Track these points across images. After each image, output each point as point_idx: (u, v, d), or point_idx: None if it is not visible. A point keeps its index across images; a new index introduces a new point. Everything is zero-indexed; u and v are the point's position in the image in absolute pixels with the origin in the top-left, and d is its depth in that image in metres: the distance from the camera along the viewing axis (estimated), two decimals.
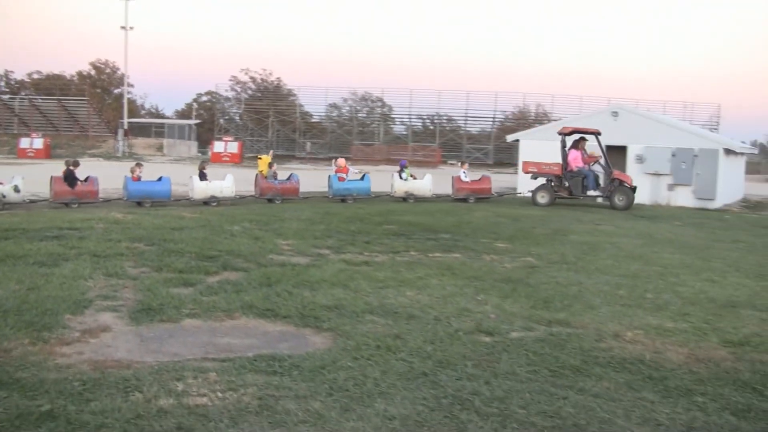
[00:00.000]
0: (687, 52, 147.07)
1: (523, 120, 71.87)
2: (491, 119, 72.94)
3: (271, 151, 32.74)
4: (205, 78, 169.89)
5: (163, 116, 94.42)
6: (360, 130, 75.69)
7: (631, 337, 8.15)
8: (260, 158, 29.69)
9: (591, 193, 26.96)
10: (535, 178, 27.79)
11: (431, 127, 75.93)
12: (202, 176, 25.29)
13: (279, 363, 6.76)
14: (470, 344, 7.61)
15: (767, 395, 6.45)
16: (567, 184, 27.10)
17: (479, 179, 29.06)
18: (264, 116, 73.09)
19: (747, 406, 6.14)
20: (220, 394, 5.96)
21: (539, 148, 32.30)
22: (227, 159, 58.32)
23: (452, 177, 28.54)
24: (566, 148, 27.53)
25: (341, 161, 29.46)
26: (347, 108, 79.90)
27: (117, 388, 6.04)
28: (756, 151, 65.94)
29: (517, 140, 35.34)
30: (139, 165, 25.02)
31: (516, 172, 34.65)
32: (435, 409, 5.84)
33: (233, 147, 61.21)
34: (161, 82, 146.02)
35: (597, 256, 14.02)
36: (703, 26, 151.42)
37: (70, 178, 23.13)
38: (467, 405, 5.92)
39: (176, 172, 32.05)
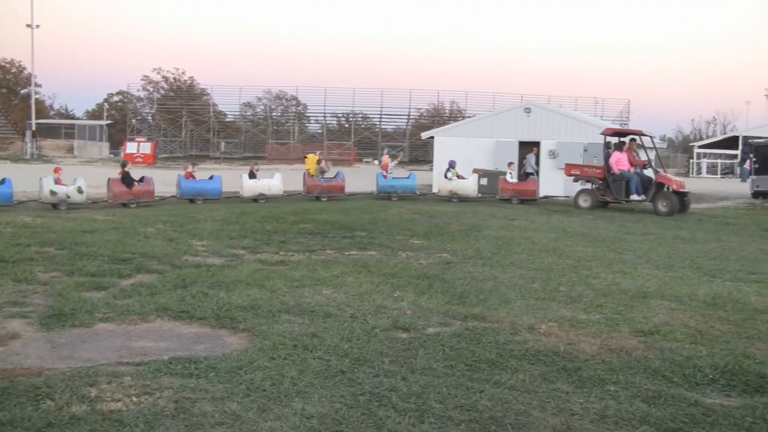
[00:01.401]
0: (597, 48, 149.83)
1: (437, 117, 72.56)
2: (406, 116, 73.37)
3: (318, 151, 32.54)
4: (117, 77, 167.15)
5: (73, 117, 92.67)
6: (275, 129, 75.59)
7: (545, 330, 8.28)
8: (307, 157, 30.24)
9: (634, 197, 25.37)
10: (577, 181, 26.74)
11: (346, 125, 76.07)
12: (252, 175, 27.14)
13: (195, 365, 6.69)
14: (387, 341, 7.64)
15: (676, 382, 6.62)
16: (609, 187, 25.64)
17: (525, 181, 28.72)
18: (177, 116, 72.37)
19: (657, 393, 6.29)
20: (135, 399, 5.86)
21: (454, 144, 32.73)
22: (140, 160, 57.44)
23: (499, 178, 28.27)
24: (609, 150, 26.17)
25: (385, 158, 29.81)
26: (262, 107, 79.80)
27: (27, 397, 5.89)
28: (665, 146, 67.58)
29: (432, 137, 35.62)
30: (193, 164, 27.92)
31: (431, 169, 34.91)
32: (353, 406, 5.85)
33: (146, 148, 60.41)
34: (71, 81, 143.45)
35: (511, 251, 14.20)
36: (613, 22, 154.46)
37: (127, 179, 24.63)
38: (385, 401, 5.94)
39: (89, 174, 31.49)
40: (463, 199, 27.35)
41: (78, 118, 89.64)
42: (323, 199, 26.79)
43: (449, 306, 9.31)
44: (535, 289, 10.55)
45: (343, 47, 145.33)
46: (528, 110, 33.51)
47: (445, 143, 33.74)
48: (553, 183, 30.75)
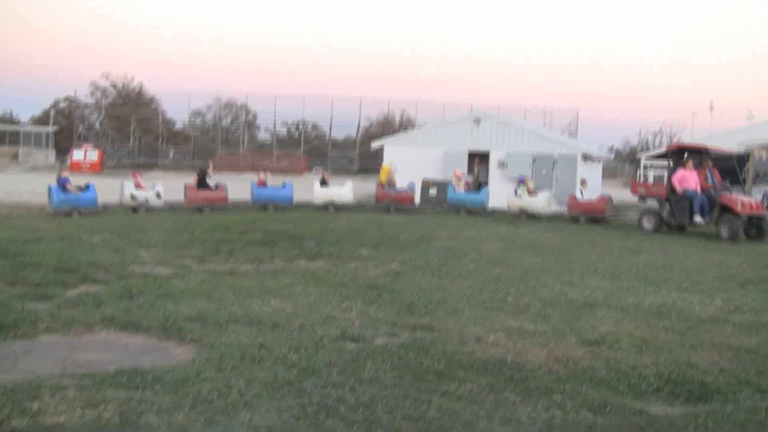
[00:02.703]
0: (546, 59, 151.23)
1: (388, 126, 72.56)
2: (356, 126, 73.40)
3: (391, 160, 32.26)
4: (64, 83, 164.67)
5: (17, 123, 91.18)
6: (224, 137, 75.06)
7: (493, 340, 8.32)
8: (382, 167, 30.61)
9: (697, 220, 22.44)
10: (644, 200, 25.29)
11: (296, 134, 75.85)
12: (323, 182, 27.71)
13: (141, 376, 6.61)
14: (335, 351, 7.63)
15: (622, 391, 6.70)
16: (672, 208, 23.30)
17: (596, 200, 26.62)
18: (125, 123, 71.62)
19: (603, 402, 6.36)
20: (78, 411, 5.77)
21: (403, 154, 32.80)
22: (87, 168, 56.71)
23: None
24: (673, 167, 23.97)
25: (458, 171, 29.31)
26: (211, 115, 79.17)
27: None
28: (612, 157, 68.39)
29: (382, 147, 35.67)
30: (264, 171, 28.47)
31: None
32: (300, 417, 5.82)
33: (93, 155, 59.57)
34: (15, 86, 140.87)
35: (460, 261, 14.26)
36: (561, 33, 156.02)
37: (202, 184, 25.96)
38: (332, 412, 5.93)
39: (34, 182, 31.07)
40: (531, 217, 26.33)
41: (23, 124, 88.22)
42: (392, 210, 27.25)
43: (398, 316, 9.32)
44: (483, 300, 10.60)
45: (294, 55, 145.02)
46: (477, 120, 33.72)
47: (394, 153, 33.81)
48: (502, 194, 30.93)
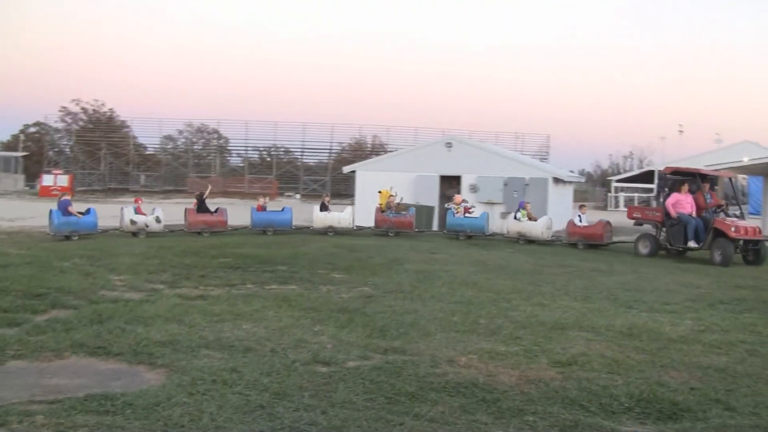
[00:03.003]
0: (517, 84, 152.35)
1: (359, 151, 72.73)
2: (328, 151, 73.52)
3: (392, 187, 32.21)
4: (34, 108, 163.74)
5: None
6: (196, 162, 74.97)
7: (465, 362, 8.33)
8: (381, 192, 30.17)
9: (691, 244, 21.99)
10: (640, 224, 24.82)
11: (268, 159, 75.84)
12: (324, 207, 27.93)
13: (111, 402, 6.55)
14: (307, 375, 7.60)
15: (593, 411, 6.72)
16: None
17: (594, 224, 26.30)
18: (96, 148, 71.32)
19: (574, 422, 6.38)
20: None
21: (375, 179, 32.89)
22: (57, 193, 56.23)
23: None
24: (665, 190, 23.77)
25: (458, 197, 29.04)
26: (183, 140, 79.03)
27: None
28: (583, 180, 68.92)
29: (354, 171, 35.74)
30: (263, 196, 29.25)
31: (353, 203, 34.96)
32: None
33: (63, 180, 59.16)
34: None
35: (432, 284, 14.28)
36: (532, 58, 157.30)
37: (202, 208, 26.58)
38: None
39: (3, 208, 30.84)
40: (530, 242, 26.18)
41: None
42: (391, 235, 27.24)
43: (370, 339, 9.31)
44: (455, 322, 10.61)
45: (265, 81, 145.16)
46: (449, 145, 33.90)
47: (366, 177, 33.93)
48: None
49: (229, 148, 79.12)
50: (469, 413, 6.57)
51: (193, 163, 74.00)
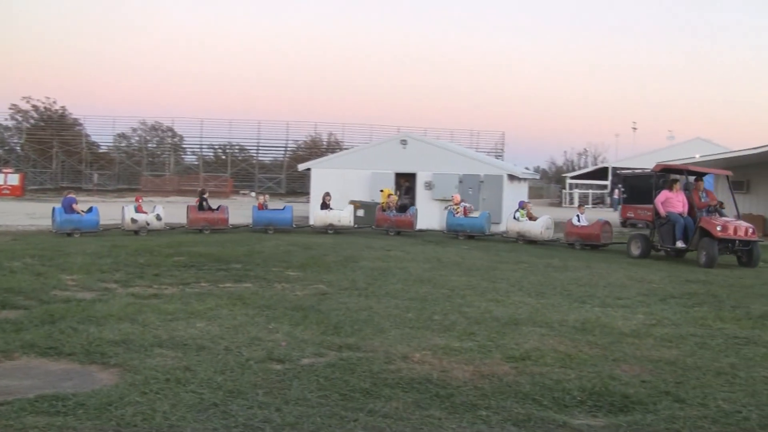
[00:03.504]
0: (472, 81, 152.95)
1: (315, 149, 72.66)
2: (283, 148, 73.33)
3: (392, 187, 31.92)
4: None
5: None
6: (150, 160, 74.39)
7: (419, 358, 8.35)
8: (382, 191, 30.05)
9: (679, 245, 20.97)
10: (634, 225, 23.90)
11: (223, 157, 75.45)
12: (324, 205, 27.99)
13: (62, 402, 6.47)
14: (261, 373, 7.58)
15: (546, 405, 6.77)
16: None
17: (592, 224, 25.54)
18: (48, 147, 70.44)
19: (527, 416, 6.42)
20: None
21: (330, 176, 32.87)
22: (7, 192, 55.58)
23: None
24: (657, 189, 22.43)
25: (456, 196, 28.90)
26: (136, 138, 78.32)
27: None
28: (538, 176, 69.42)
29: (309, 169, 35.68)
30: (263, 194, 29.80)
31: (308, 201, 34.91)
32: None
33: (14, 179, 58.39)
34: None
35: (387, 281, 14.31)
36: (486, 56, 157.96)
37: (203, 206, 27.05)
38: None
39: None
40: (530, 242, 25.91)
41: None
42: (391, 234, 27.26)
43: (324, 337, 9.30)
44: (410, 319, 10.65)
45: (220, 78, 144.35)
46: (404, 142, 33.93)
47: (322, 175, 33.88)
48: (428, 215, 31.15)
49: (184, 146, 78.65)
50: (423, 409, 6.59)
51: (147, 162, 73.44)
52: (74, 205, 24.94)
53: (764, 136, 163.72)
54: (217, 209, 27.48)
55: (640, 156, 68.32)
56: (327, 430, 6.00)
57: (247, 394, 6.83)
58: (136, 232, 25.52)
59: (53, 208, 25.01)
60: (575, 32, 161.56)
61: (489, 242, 26.35)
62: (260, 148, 74.24)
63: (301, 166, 37.82)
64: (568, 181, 79.15)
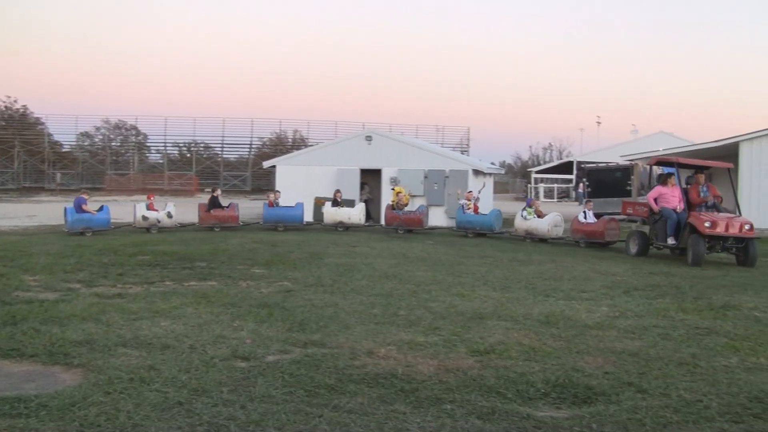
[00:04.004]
0: (438, 77, 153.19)
1: (280, 146, 72.48)
2: (248, 146, 73.06)
3: (407, 185, 31.55)
4: None
5: None
6: (114, 159, 73.75)
7: (384, 353, 8.37)
8: (393, 189, 29.94)
9: (670, 242, 19.77)
10: (635, 221, 22.29)
11: (188, 155, 75.03)
12: (335, 203, 28.20)
13: (25, 404, 6.41)
14: (226, 370, 7.56)
15: (510, 398, 6.82)
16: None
17: (597, 222, 24.30)
18: (9, 146, 69.61)
19: (491, 410, 6.46)
20: None
21: (296, 173, 32.82)
22: None
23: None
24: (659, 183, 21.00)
25: (468, 193, 28.49)
26: (100, 137, 77.62)
27: None
28: (503, 171, 69.77)
29: (274, 166, 35.59)
30: (275, 192, 29.18)
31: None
32: None
33: None
34: None
35: (352, 277, 14.32)
36: (451, 51, 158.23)
37: (213, 204, 27.28)
38: (223, 430, 5.88)
39: None
40: (542, 240, 25.17)
41: None
42: (400, 232, 27.00)
43: (289, 333, 9.29)
44: (375, 314, 10.66)
45: (184, 75, 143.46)
46: (369, 138, 33.95)
47: (287, 172, 33.81)
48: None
49: (148, 144, 78.13)
50: (388, 403, 6.61)
51: (111, 161, 72.82)
52: (84, 206, 25.40)
53: (725, 129, 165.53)
54: (228, 207, 27.68)
55: (604, 150, 68.86)
56: (292, 426, 6.00)
57: (211, 392, 6.81)
58: (147, 230, 26.12)
59: (65, 208, 25.73)
60: (540, 28, 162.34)
61: (497, 240, 25.59)
62: (225, 145, 73.94)
63: (267, 164, 37.71)
64: (534, 175, 79.61)
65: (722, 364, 8.22)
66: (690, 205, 19.66)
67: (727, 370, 8.00)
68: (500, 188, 59.44)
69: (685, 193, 19.97)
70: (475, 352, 8.52)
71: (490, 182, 38.29)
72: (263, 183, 64.59)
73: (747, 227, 18.58)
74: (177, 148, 77.17)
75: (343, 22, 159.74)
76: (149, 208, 26.97)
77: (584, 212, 25.05)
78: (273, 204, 28.22)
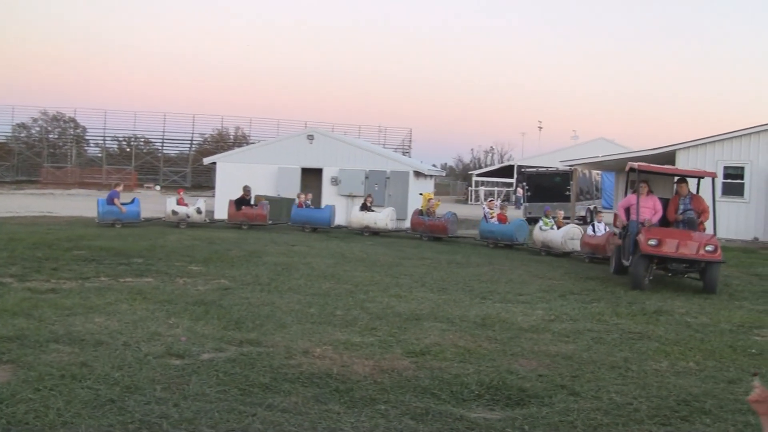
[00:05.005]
0: (380, 78, 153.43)
1: (222, 143, 71.92)
2: (189, 141, 72.44)
3: (431, 191, 30.70)
4: None
5: None
6: (51, 152, 72.49)
7: (320, 353, 8.37)
8: (422, 194, 29.20)
9: (624, 261, 16.69)
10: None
11: (127, 149, 74.11)
12: (365, 207, 27.08)
13: None
14: (160, 368, 7.50)
15: (444, 399, 6.87)
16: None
17: (601, 235, 21.30)
18: None
19: (425, 410, 6.50)
20: None
21: (237, 170, 32.62)
22: None
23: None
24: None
25: (492, 201, 27.05)
26: (37, 128, 76.25)
27: None
28: (444, 174, 70.12)
29: (215, 163, 35.36)
30: (306, 193, 28.67)
31: (214, 196, 34.61)
32: None
33: None
34: None
35: (290, 276, 14.28)
36: (394, 52, 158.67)
37: (242, 202, 27.22)
38: (155, 428, 5.83)
39: None
40: (552, 254, 22.23)
41: None
42: (424, 239, 25.43)
43: (225, 332, 9.25)
44: (312, 314, 10.66)
45: (125, 68, 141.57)
46: (311, 137, 33.89)
47: (227, 169, 33.59)
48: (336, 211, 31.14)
49: (87, 137, 76.96)
50: (322, 403, 6.62)
51: (48, 153, 71.62)
52: (115, 199, 26.02)
53: (663, 137, 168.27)
54: (257, 205, 27.55)
55: (545, 155, 69.48)
56: (225, 425, 5.98)
57: (144, 390, 6.75)
58: (177, 225, 26.48)
59: (98, 200, 26.67)
60: (483, 31, 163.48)
61: (512, 251, 23.42)
62: (165, 140, 73.19)
63: (207, 160, 37.46)
64: (475, 178, 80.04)
65: (653, 368, 8.38)
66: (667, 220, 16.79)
67: (658, 373, 8.16)
68: (441, 190, 59.66)
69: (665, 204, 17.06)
70: (410, 353, 8.57)
71: (430, 184, 38.44)
72: (203, 179, 64.11)
73: (709, 248, 15.17)
74: (116, 142, 76.21)
75: (285, 19, 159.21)
76: (179, 203, 27.32)
77: (593, 225, 22.52)
78: (302, 205, 27.64)
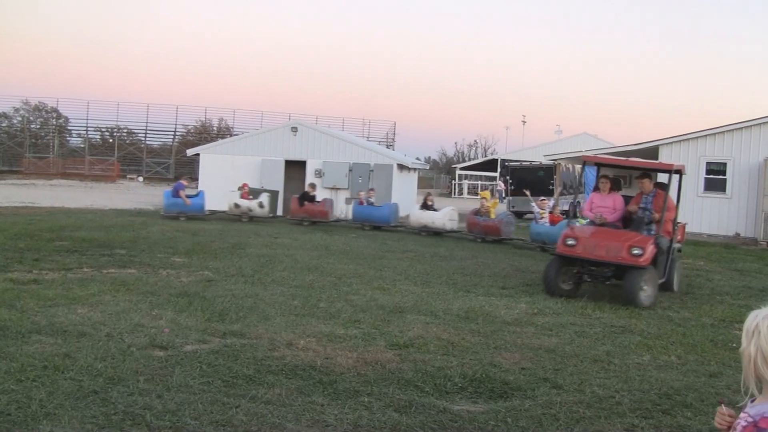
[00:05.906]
0: (365, 70, 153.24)
1: (205, 134, 71.67)
2: (172, 133, 72.15)
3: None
4: None
5: None
6: (33, 142, 72.00)
7: (303, 345, 8.38)
8: (480, 193, 28.69)
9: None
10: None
11: (110, 140, 73.74)
12: (425, 206, 26.45)
13: None
14: (143, 359, 7.48)
15: (427, 391, 6.89)
16: None
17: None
18: None
19: (409, 402, 6.53)
20: None
21: (220, 162, 32.55)
22: None
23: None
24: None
25: (542, 201, 24.05)
26: (18, 118, 75.72)
27: None
28: (428, 167, 70.12)
29: (198, 154, 35.26)
30: (369, 190, 28.45)
31: (197, 187, 34.50)
32: (105, 426, 5.69)
33: None
34: None
35: (274, 268, 14.27)
36: (379, 45, 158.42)
37: (305, 198, 27.27)
38: (138, 420, 5.83)
39: None
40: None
41: None
42: (478, 240, 23.57)
43: (208, 323, 9.24)
44: (296, 306, 10.66)
45: (108, 58, 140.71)
46: (294, 129, 33.81)
47: (211, 161, 33.52)
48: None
49: (69, 127, 76.48)
50: (306, 395, 6.62)
51: (30, 143, 71.17)
52: (180, 191, 26.89)
53: (646, 133, 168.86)
54: (319, 202, 27.45)
55: (529, 149, 69.69)
56: (208, 416, 5.98)
57: (127, 381, 6.74)
58: (239, 218, 26.98)
59: (164, 192, 27.68)
60: (468, 24, 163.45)
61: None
62: (149, 131, 72.83)
63: (190, 151, 37.35)
64: (458, 171, 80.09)
65: (635, 362, 8.43)
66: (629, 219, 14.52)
67: (640, 367, 8.21)
68: (425, 184, 59.65)
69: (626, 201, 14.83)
70: (394, 345, 8.59)
71: (414, 177, 38.39)
72: (187, 171, 63.78)
73: (636, 251, 12.78)
74: (99, 133, 75.80)
75: (270, 13, 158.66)
76: (242, 197, 27.66)
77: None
78: (363, 202, 27.36)
